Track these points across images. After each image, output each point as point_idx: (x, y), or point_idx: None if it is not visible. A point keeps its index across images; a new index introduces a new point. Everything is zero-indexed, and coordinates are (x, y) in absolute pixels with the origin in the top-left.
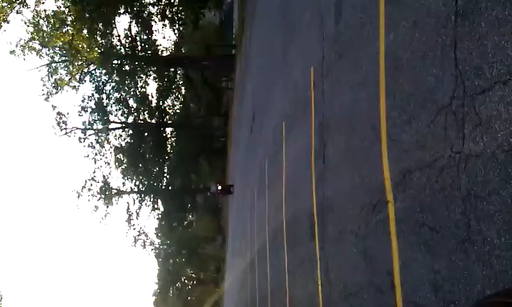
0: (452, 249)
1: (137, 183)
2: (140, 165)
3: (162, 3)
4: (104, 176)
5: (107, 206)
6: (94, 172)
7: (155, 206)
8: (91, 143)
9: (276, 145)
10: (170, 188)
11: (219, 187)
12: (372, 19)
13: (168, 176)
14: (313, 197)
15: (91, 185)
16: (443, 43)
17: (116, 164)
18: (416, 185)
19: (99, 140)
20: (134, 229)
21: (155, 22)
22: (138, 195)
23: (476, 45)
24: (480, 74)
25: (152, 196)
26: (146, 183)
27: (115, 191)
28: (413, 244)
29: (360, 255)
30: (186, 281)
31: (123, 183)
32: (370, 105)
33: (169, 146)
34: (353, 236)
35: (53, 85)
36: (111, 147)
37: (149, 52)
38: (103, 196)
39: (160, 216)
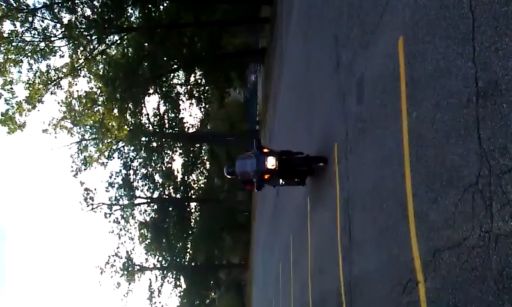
0: None
1: (160, 259)
2: (164, 240)
3: (190, 83)
4: (127, 252)
5: (129, 283)
6: (118, 247)
7: (178, 283)
8: (117, 219)
9: (300, 221)
10: (193, 264)
11: (272, 162)
12: (394, 98)
13: (190, 252)
14: (340, 275)
15: (115, 260)
16: (466, 122)
17: (140, 239)
18: (446, 264)
19: (124, 215)
20: None
21: (183, 101)
22: (161, 271)
23: (499, 125)
24: (505, 154)
25: (174, 272)
26: (169, 259)
27: (138, 267)
28: None
29: None
30: None
31: (146, 259)
32: (396, 182)
33: (192, 220)
34: None
35: (82, 162)
36: (135, 222)
37: (176, 129)
38: (125, 273)
39: (182, 293)
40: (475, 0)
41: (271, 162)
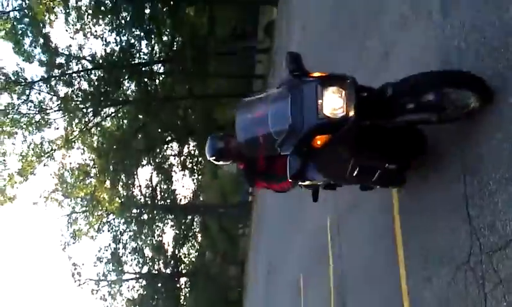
0: None
1: None
2: None
3: (183, 155)
4: None
5: None
6: None
7: None
8: (103, 296)
9: (293, 298)
10: None
11: (337, 102)
12: None
13: None
14: None
15: None
16: (455, 199)
17: None
18: None
19: (112, 292)
20: None
21: (176, 172)
22: None
23: (487, 203)
24: (494, 231)
25: None
26: None
27: None
28: None
29: None
30: None
31: None
32: (389, 261)
33: (182, 297)
34: None
35: (71, 235)
36: (123, 299)
37: (168, 200)
38: None
39: None
40: None
41: (332, 102)
